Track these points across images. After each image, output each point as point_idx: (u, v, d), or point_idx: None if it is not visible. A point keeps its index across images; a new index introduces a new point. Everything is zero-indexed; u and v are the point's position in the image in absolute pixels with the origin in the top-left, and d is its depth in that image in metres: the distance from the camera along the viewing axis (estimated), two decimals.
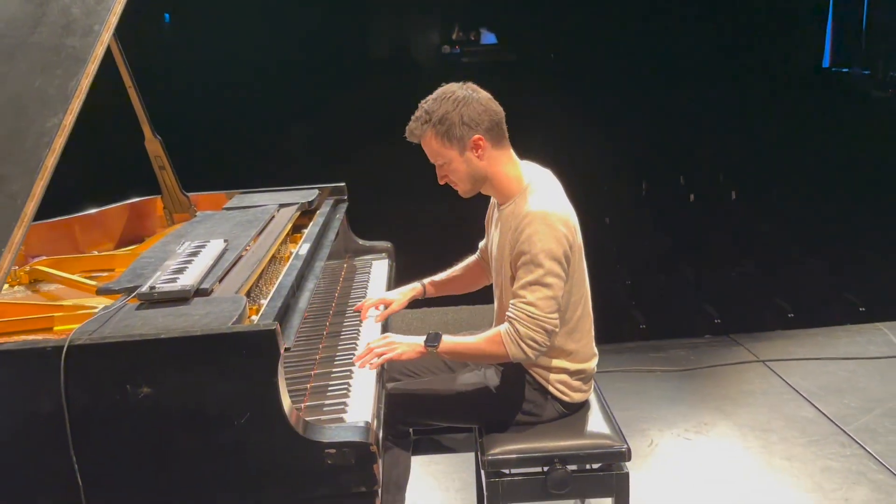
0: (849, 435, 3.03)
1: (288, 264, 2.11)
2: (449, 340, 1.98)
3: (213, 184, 2.94)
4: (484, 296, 2.39)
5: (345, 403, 1.75)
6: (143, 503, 1.51)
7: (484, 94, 2.00)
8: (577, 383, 2.11)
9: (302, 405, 1.75)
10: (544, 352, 1.95)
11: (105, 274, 2.33)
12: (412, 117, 2.00)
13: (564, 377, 2.09)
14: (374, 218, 3.17)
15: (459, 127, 1.93)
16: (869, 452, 2.90)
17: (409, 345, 1.97)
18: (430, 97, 2.00)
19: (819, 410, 3.24)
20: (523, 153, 2.21)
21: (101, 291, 1.83)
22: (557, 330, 1.94)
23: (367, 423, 1.60)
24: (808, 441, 3.01)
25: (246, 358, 1.46)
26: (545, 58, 5.50)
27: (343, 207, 2.85)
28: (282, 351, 1.48)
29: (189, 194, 2.82)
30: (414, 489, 2.70)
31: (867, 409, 3.22)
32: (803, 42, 6.27)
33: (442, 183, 2.07)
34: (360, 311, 2.26)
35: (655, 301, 4.55)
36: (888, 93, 8.29)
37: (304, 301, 1.90)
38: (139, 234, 2.78)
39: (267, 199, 2.71)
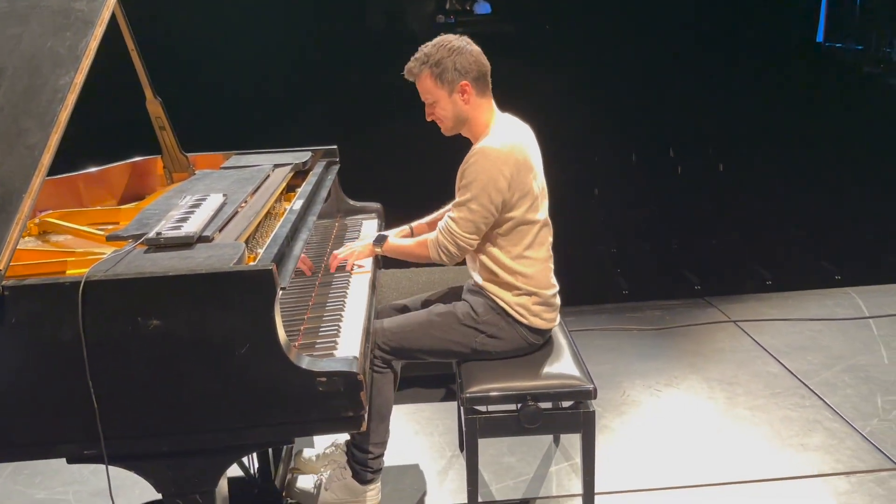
0: (809, 388, 3.23)
1: (283, 218, 2.26)
2: (392, 242, 2.44)
3: (210, 145, 3.07)
4: None
5: (335, 342, 1.92)
6: (152, 425, 1.67)
7: (476, 48, 2.30)
8: (536, 308, 2.31)
9: (296, 343, 1.92)
10: (453, 260, 2.30)
11: (110, 227, 2.47)
12: (412, 58, 2.29)
13: (523, 300, 2.30)
14: (364, 180, 3.31)
15: (452, 72, 2.23)
16: (827, 404, 3.10)
17: (363, 246, 2.45)
18: (429, 42, 2.29)
19: (784, 366, 3.44)
20: None
21: (110, 238, 1.98)
22: (471, 248, 2.27)
23: (355, 356, 1.77)
24: (770, 393, 3.21)
25: (246, 295, 1.61)
26: (539, 29, 5.56)
27: (335, 169, 3.00)
28: (278, 289, 1.64)
29: (188, 154, 2.95)
30: (399, 435, 2.90)
31: (829, 366, 3.42)
32: (798, 16, 6.32)
33: (429, 119, 2.36)
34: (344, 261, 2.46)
35: (639, 268, 4.72)
36: (880, 68, 8.34)
37: (298, 249, 2.06)
38: (140, 192, 2.92)
39: (262, 160, 2.85)
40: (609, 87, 5.17)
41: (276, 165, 2.78)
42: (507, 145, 2.21)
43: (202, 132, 3.21)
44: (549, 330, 2.40)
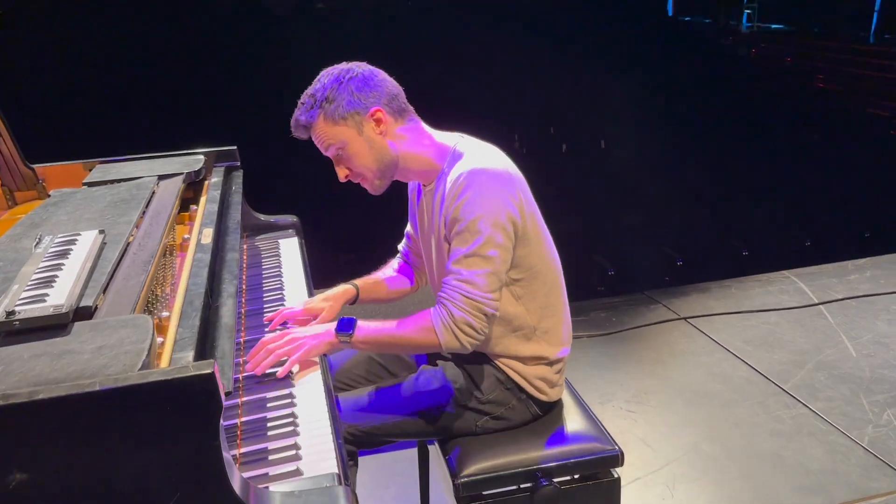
0: (789, 394, 2.93)
1: (190, 260, 1.63)
2: (366, 327, 1.64)
3: (65, 152, 2.36)
4: None
5: (295, 444, 1.33)
6: None
7: (374, 68, 1.68)
8: (555, 377, 1.81)
9: (237, 453, 1.32)
10: (481, 341, 1.61)
11: None
12: (295, 112, 1.65)
13: (543, 370, 1.78)
14: (272, 187, 2.69)
15: (350, 101, 1.61)
16: (813, 411, 2.80)
17: (316, 337, 1.62)
18: (309, 87, 1.67)
19: (752, 368, 3.13)
20: None
21: None
22: (497, 313, 1.60)
23: (335, 474, 1.21)
24: (751, 404, 2.88)
25: (173, 416, 1.01)
26: (402, 5, 5.23)
27: (238, 177, 2.37)
28: (223, 398, 1.04)
29: (34, 166, 2.24)
30: None
31: (798, 364, 3.14)
32: None
33: (343, 179, 1.71)
34: (272, 321, 1.78)
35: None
36: (728, 40, 8.69)
37: (229, 315, 1.44)
38: None
39: (139, 170, 2.20)
40: (479, 65, 4.92)
41: (161, 177, 2.12)
42: (498, 161, 1.65)
43: (52, 136, 2.47)
44: (559, 400, 1.88)
